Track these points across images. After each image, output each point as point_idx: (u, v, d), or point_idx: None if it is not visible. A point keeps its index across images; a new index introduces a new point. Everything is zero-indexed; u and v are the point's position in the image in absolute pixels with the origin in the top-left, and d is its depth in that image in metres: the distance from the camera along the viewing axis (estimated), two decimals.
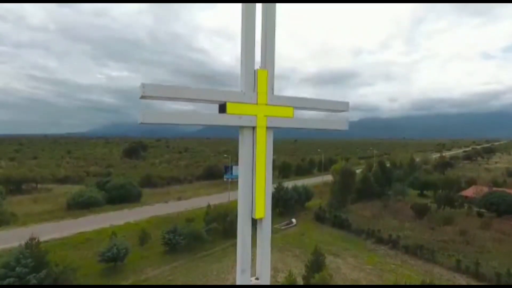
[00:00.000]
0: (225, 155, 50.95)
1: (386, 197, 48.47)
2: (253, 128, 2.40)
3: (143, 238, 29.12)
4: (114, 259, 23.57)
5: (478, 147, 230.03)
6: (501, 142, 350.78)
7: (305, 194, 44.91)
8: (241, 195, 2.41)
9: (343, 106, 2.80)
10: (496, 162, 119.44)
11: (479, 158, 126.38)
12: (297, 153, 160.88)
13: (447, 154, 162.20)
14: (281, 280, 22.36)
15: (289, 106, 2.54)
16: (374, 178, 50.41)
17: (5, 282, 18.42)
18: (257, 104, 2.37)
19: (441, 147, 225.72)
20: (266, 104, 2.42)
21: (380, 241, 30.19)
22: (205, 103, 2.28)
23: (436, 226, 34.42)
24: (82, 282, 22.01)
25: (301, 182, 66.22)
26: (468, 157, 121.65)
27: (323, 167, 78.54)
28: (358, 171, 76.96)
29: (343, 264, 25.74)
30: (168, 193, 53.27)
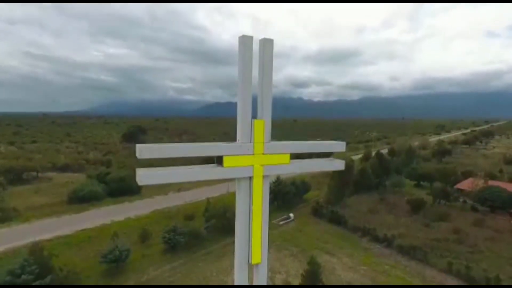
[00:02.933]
0: None
1: (383, 189, 49.18)
2: (250, 178, 2.43)
3: (144, 236, 29.82)
4: (116, 260, 24.27)
5: (477, 128, 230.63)
6: (501, 123, 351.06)
7: (303, 187, 45.50)
8: (237, 242, 2.48)
9: (339, 147, 2.86)
10: (494, 147, 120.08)
11: (477, 143, 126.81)
12: (295, 135, 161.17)
13: (445, 137, 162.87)
14: (278, 282, 23.22)
15: (285, 153, 2.57)
16: (371, 169, 50.84)
17: None
18: (253, 154, 2.40)
19: (440, 129, 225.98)
20: (263, 154, 2.44)
21: (375, 239, 30.95)
22: (203, 158, 2.32)
23: (431, 222, 35.15)
24: (85, 283, 22.79)
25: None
26: (466, 141, 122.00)
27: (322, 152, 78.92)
28: (356, 157, 77.74)
29: (338, 265, 26.54)
30: (168, 184, 53.81)
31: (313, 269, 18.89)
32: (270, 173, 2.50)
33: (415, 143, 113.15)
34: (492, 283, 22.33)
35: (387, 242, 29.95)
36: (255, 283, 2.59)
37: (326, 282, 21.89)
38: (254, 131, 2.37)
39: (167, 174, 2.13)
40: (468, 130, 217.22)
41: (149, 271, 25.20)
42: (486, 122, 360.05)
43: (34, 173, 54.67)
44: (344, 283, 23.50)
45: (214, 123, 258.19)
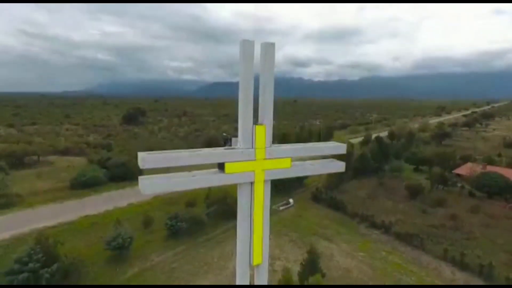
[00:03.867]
0: (223, 134, 51.22)
1: (382, 174, 49.65)
2: (251, 183, 2.48)
3: (147, 222, 30.40)
4: (119, 247, 24.86)
5: (478, 110, 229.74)
6: (502, 103, 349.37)
7: None
8: (239, 244, 2.57)
9: (340, 149, 2.90)
10: (494, 129, 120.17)
11: (477, 125, 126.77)
12: (296, 116, 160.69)
13: (446, 119, 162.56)
14: (278, 269, 23.90)
15: (286, 158, 2.61)
16: (371, 154, 51.13)
17: (20, 277, 19.64)
18: (255, 160, 2.43)
19: (440, 110, 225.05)
20: (264, 159, 2.47)
21: (373, 225, 31.58)
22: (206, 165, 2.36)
23: (428, 208, 35.76)
24: (91, 270, 23.49)
25: None
26: (466, 124, 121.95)
27: (322, 137, 79.10)
28: (356, 141, 77.93)
29: (337, 251, 27.24)
30: (169, 168, 54.24)
31: (313, 258, 19.40)
32: (271, 178, 2.55)
33: (415, 125, 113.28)
34: (485, 270, 23.01)
35: (384, 228, 30.59)
36: (256, 283, 2.68)
37: (324, 269, 22.50)
38: (255, 136, 2.39)
39: (170, 183, 2.22)
40: (469, 112, 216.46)
41: (153, 257, 25.88)
42: (487, 103, 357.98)
43: (35, 157, 54.92)
44: (342, 270, 24.21)
45: (214, 104, 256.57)
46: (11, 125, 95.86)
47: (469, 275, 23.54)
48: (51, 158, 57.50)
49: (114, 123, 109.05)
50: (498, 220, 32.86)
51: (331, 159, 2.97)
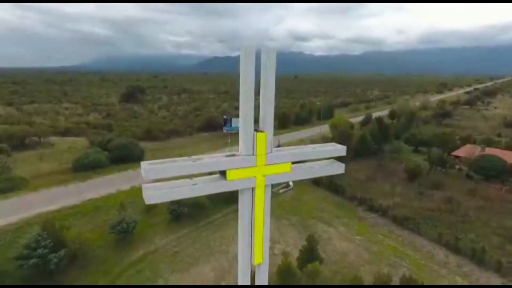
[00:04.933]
0: (224, 116, 51.02)
1: (382, 155, 50.05)
2: (252, 188, 2.54)
3: (149, 206, 31.03)
4: (124, 232, 25.62)
5: (481, 86, 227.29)
6: (505, 79, 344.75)
7: None
8: (241, 245, 2.67)
9: (340, 151, 2.98)
10: (495, 108, 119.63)
11: (478, 103, 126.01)
12: (297, 93, 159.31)
13: (447, 96, 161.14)
14: (278, 252, 24.77)
15: (287, 162, 2.64)
16: (371, 135, 51.28)
17: (30, 262, 20.41)
18: (256, 166, 2.47)
19: (442, 87, 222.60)
20: (265, 165, 2.50)
21: (371, 208, 32.30)
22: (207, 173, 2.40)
23: (425, 191, 36.41)
24: (97, 254, 24.35)
25: (299, 135, 67.59)
26: (468, 102, 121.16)
27: (322, 116, 78.91)
28: (356, 120, 77.81)
29: (334, 234, 28.07)
30: (169, 149, 54.66)
31: (311, 245, 20.08)
32: (272, 182, 2.61)
33: (416, 103, 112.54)
34: (478, 254, 23.82)
35: (382, 212, 31.33)
36: (257, 283, 2.78)
37: (322, 252, 23.33)
38: (256, 143, 2.42)
39: (173, 193, 2.27)
40: (471, 88, 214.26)
41: (156, 240, 26.73)
42: (490, 79, 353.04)
43: (36, 139, 55.12)
44: (339, 254, 25.08)
45: (213, 80, 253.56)
46: (9, 104, 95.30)
47: (461, 259, 24.42)
48: (52, 139, 57.67)
49: (113, 101, 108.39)
50: (493, 203, 33.56)
51: (331, 160, 3.02)
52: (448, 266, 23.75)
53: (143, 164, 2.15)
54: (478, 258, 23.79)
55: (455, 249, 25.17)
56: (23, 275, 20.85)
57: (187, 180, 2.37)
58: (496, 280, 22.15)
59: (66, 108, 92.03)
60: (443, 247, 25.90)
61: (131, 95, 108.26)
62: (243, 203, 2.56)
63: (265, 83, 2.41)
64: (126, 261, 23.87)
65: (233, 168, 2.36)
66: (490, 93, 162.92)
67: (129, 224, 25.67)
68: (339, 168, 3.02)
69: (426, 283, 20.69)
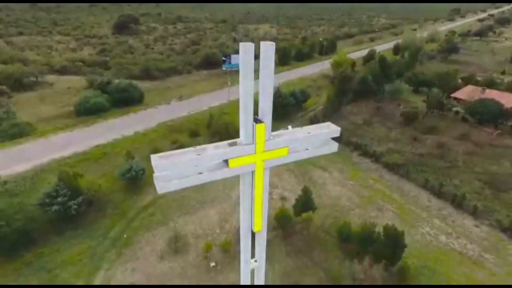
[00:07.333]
0: (223, 58, 48.93)
1: (381, 97, 50.10)
2: (252, 172, 2.78)
3: (154, 152, 32.55)
4: (133, 179, 27.56)
5: (496, 11, 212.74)
6: None
7: (302, 96, 46.34)
8: (242, 217, 2.99)
9: (334, 133, 3.21)
10: (506, 39, 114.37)
11: (490, 34, 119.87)
12: (300, 22, 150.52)
13: (458, 25, 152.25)
14: (276, 197, 27.09)
15: (284, 147, 2.85)
16: (372, 76, 50.51)
17: (53, 209, 22.61)
18: (255, 153, 2.66)
19: (455, 13, 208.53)
20: (264, 152, 2.70)
21: (365, 154, 33.98)
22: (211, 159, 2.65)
23: (419, 135, 37.70)
24: (111, 199, 26.63)
25: (300, 71, 66.37)
26: (478, 33, 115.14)
27: (324, 51, 76.24)
28: (359, 55, 75.42)
29: (329, 179, 30.20)
30: (169, 89, 54.39)
31: (306, 195, 22.06)
32: (270, 166, 2.84)
33: (424, 34, 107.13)
34: (458, 199, 26.12)
35: (375, 157, 33.06)
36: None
37: (316, 197, 25.54)
38: (255, 133, 2.60)
39: (182, 182, 2.56)
40: (486, 14, 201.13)
41: None
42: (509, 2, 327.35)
43: (34, 78, 54.40)
44: (332, 198, 27.45)
45: (209, 6, 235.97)
46: None
47: (443, 203, 26.84)
48: (50, 78, 56.86)
49: (106, 33, 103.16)
50: (483, 148, 35.10)
51: (326, 140, 3.27)
52: (429, 209, 26.27)
53: (153, 158, 2.42)
54: (458, 203, 26.14)
55: (439, 194, 27.43)
56: (49, 219, 23.29)
57: (193, 169, 2.64)
58: (469, 222, 24.79)
59: (58, 42, 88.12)
60: (427, 191, 28.18)
61: (124, 26, 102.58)
62: (244, 184, 2.83)
63: (264, 76, 2.55)
64: (138, 205, 26.30)
65: (234, 157, 2.60)
66: (504, 21, 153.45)
67: (137, 171, 27.47)
68: (333, 147, 3.29)
69: (406, 225, 23.28)
